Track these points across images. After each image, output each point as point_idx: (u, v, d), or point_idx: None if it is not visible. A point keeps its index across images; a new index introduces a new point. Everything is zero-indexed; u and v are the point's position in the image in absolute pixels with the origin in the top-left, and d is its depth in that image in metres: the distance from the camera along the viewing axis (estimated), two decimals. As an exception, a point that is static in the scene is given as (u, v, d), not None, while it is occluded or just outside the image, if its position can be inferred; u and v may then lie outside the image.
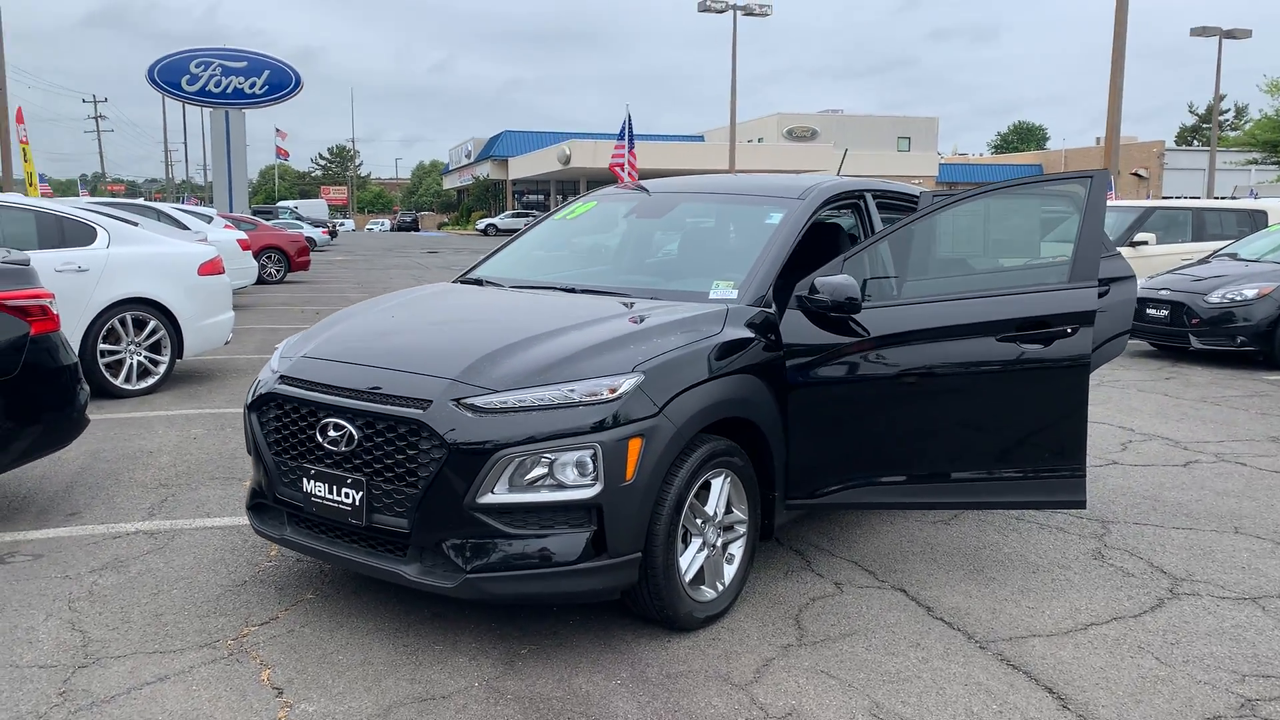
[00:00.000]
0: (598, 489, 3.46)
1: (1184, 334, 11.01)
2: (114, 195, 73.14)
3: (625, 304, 4.25)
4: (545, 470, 3.45)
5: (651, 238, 5.16)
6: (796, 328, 4.20)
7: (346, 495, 3.67)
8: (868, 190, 5.15)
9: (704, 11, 37.38)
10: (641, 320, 3.97)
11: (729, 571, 4.04)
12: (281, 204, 62.60)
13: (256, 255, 21.95)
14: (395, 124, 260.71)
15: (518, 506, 3.46)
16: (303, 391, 3.86)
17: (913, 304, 4.32)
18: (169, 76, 37.65)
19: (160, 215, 15.31)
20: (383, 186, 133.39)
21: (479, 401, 3.50)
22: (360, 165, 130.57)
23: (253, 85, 39.35)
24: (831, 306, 4.11)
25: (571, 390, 3.52)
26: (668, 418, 3.61)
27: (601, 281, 4.67)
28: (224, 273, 9.26)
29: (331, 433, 3.69)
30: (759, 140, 71.43)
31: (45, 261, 7.84)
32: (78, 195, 29.96)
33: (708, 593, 3.92)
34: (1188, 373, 10.45)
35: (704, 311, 4.09)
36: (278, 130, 78.43)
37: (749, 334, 4.09)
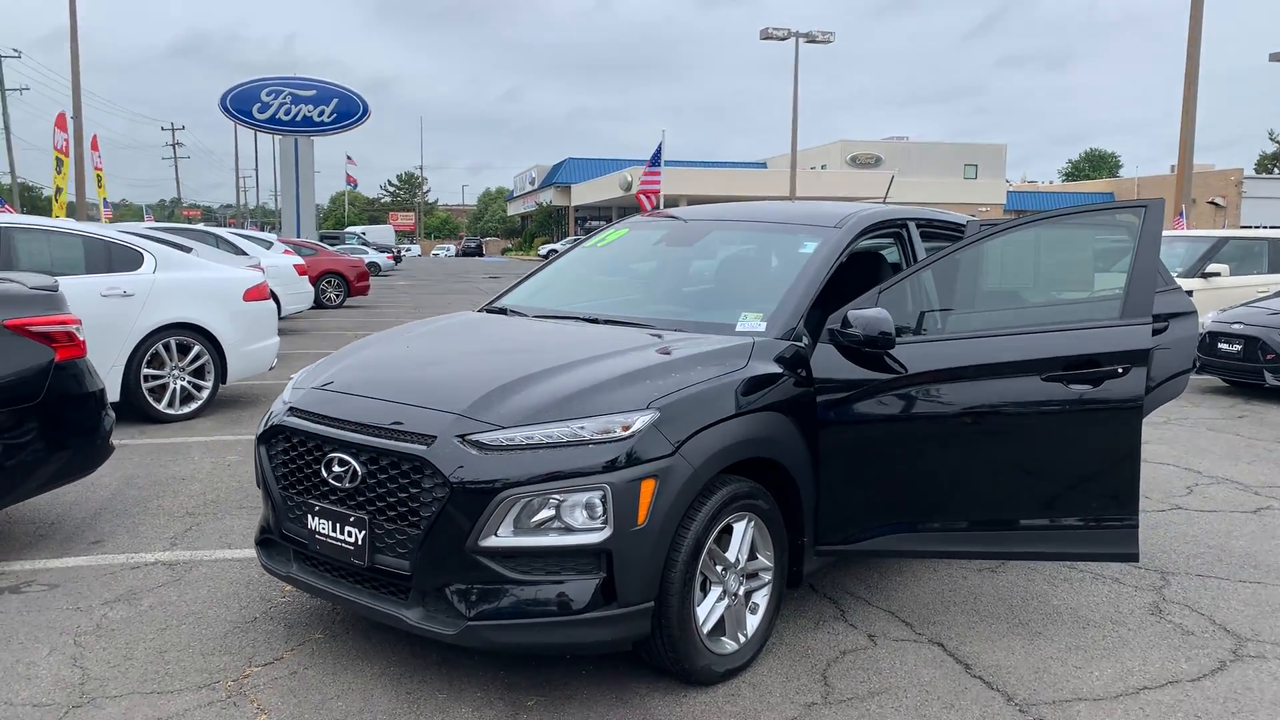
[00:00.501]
0: (607, 533, 3.27)
1: (1259, 370, 10.50)
2: (190, 220, 75.10)
3: (647, 336, 4.07)
4: (553, 512, 3.28)
5: (681, 267, 4.97)
6: (828, 363, 3.98)
7: (350, 534, 3.52)
8: (911, 219, 4.92)
9: (767, 39, 37.30)
10: (662, 353, 3.79)
11: (752, 622, 3.81)
12: (349, 230, 63.67)
13: (316, 280, 22.25)
14: (464, 151, 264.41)
15: (523, 550, 3.28)
16: (311, 424, 3.74)
17: (952, 340, 4.07)
18: (241, 105, 38.47)
19: (219, 240, 15.52)
20: (449, 213, 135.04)
21: (485, 438, 3.34)
22: (428, 192, 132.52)
23: (321, 113, 40.07)
24: (864, 341, 3.89)
25: (581, 427, 3.34)
26: (684, 458, 3.41)
27: (626, 312, 4.49)
28: (269, 298, 9.26)
29: (336, 468, 3.56)
30: (822, 167, 71.03)
31: (91, 286, 7.95)
32: (142, 220, 30.60)
33: (728, 644, 3.70)
34: (1262, 411, 9.95)
35: (728, 345, 3.89)
36: (348, 158, 79.84)
37: (776, 369, 3.88)
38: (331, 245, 34.55)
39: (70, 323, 5.01)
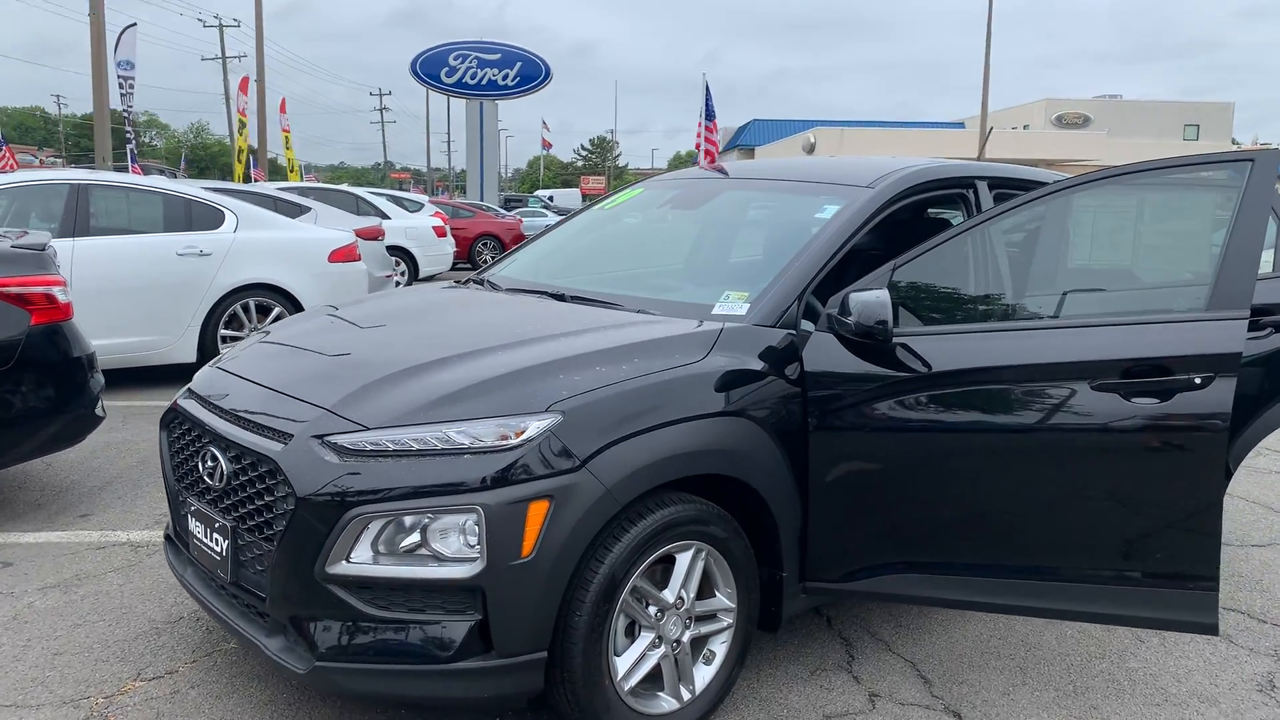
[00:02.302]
0: (478, 567, 2.61)
1: None
2: (400, 184, 77.98)
3: (605, 317, 3.37)
4: (418, 538, 2.65)
5: (679, 234, 4.23)
6: (827, 355, 3.18)
7: (216, 542, 3.01)
8: (982, 177, 3.99)
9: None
10: (598, 341, 3.08)
11: (703, 675, 3.09)
12: (537, 193, 64.44)
13: (473, 242, 22.29)
14: (661, 115, 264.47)
15: (380, 582, 2.67)
16: (196, 409, 3.25)
17: (984, 332, 3.16)
18: (429, 69, 39.29)
19: (359, 201, 15.55)
20: (639, 176, 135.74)
21: (345, 441, 2.73)
22: (619, 156, 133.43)
23: (505, 76, 40.48)
24: (857, 331, 3.07)
25: (459, 432, 2.69)
26: (594, 474, 2.71)
27: (603, 287, 3.77)
28: (359, 259, 8.98)
29: (209, 462, 3.05)
30: (1024, 127, 66.89)
31: (167, 245, 7.84)
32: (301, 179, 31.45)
33: (665, 703, 3.00)
34: None
35: (684, 333, 3.14)
36: (544, 122, 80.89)
37: (751, 364, 3.11)
38: (513, 209, 34.87)
39: (51, 284, 4.72)
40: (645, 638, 2.94)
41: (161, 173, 31.73)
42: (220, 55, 58.50)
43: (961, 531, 3.18)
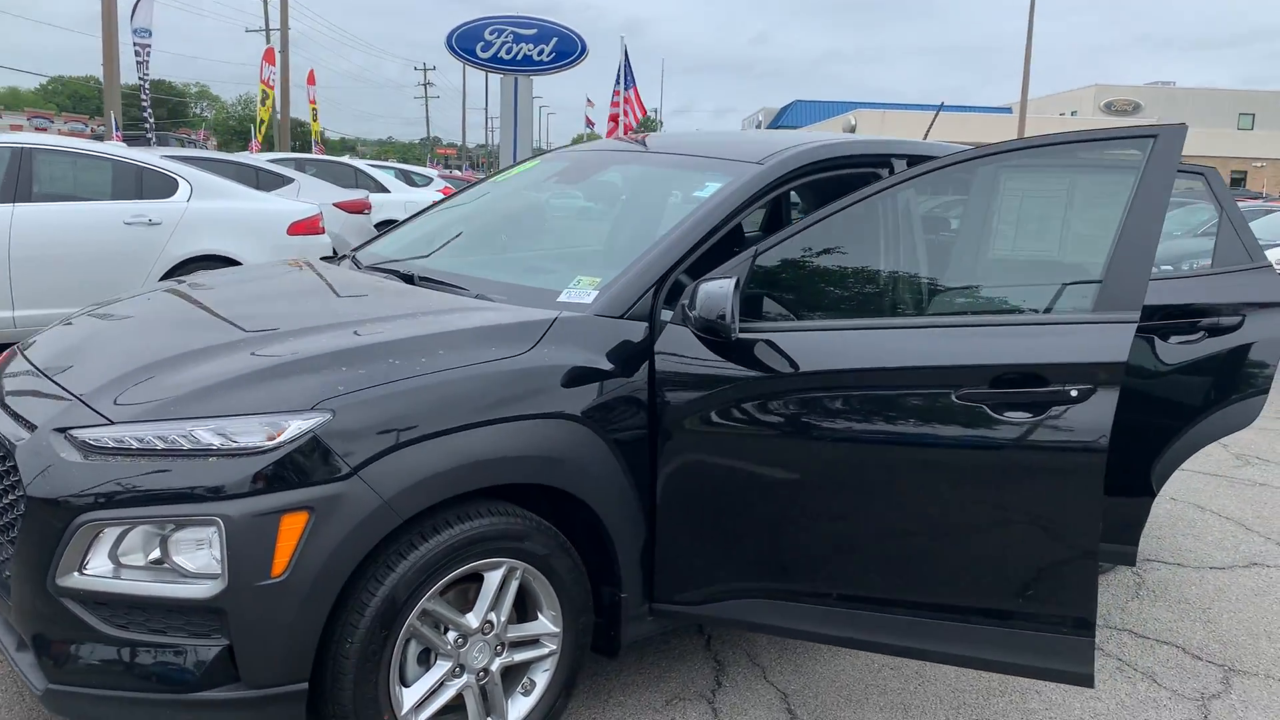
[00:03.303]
0: (219, 586, 2.28)
1: None
2: (445, 160, 77.93)
3: (432, 303, 3.01)
4: (159, 551, 2.33)
5: (559, 211, 3.84)
6: (683, 351, 2.80)
7: (-24, 542, 2.71)
8: (899, 155, 3.57)
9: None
10: (399, 328, 2.72)
11: (520, 707, 2.75)
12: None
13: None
14: (710, 94, 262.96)
15: (117, 598, 2.35)
16: (-20, 392, 2.94)
17: (847, 330, 2.75)
18: (465, 43, 38.79)
19: (358, 174, 15.30)
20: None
21: (88, 435, 2.41)
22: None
23: (540, 52, 39.93)
24: (698, 325, 2.69)
25: (210, 430, 2.35)
26: (368, 483, 2.36)
27: (461, 267, 3.40)
28: (323, 233, 8.68)
29: (-24, 453, 2.74)
30: (1072, 113, 65.39)
31: (114, 212, 7.56)
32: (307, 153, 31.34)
33: (470, 739, 2.66)
34: None
35: (510, 321, 2.78)
36: (588, 99, 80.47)
37: (586, 359, 2.75)
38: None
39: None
40: (442, 666, 2.60)
41: (181, 142, 31.75)
42: (264, 28, 58.75)
43: (820, 556, 2.80)
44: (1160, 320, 3.36)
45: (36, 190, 7.37)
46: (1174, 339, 3.37)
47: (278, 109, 28.56)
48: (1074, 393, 2.44)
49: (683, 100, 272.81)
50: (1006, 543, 2.60)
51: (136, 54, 20.30)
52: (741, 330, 2.71)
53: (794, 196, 4.37)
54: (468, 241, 3.80)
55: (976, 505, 2.60)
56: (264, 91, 26.67)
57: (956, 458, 2.57)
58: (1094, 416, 2.43)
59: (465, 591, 2.64)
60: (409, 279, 3.34)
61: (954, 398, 2.55)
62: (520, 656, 2.74)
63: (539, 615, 2.76)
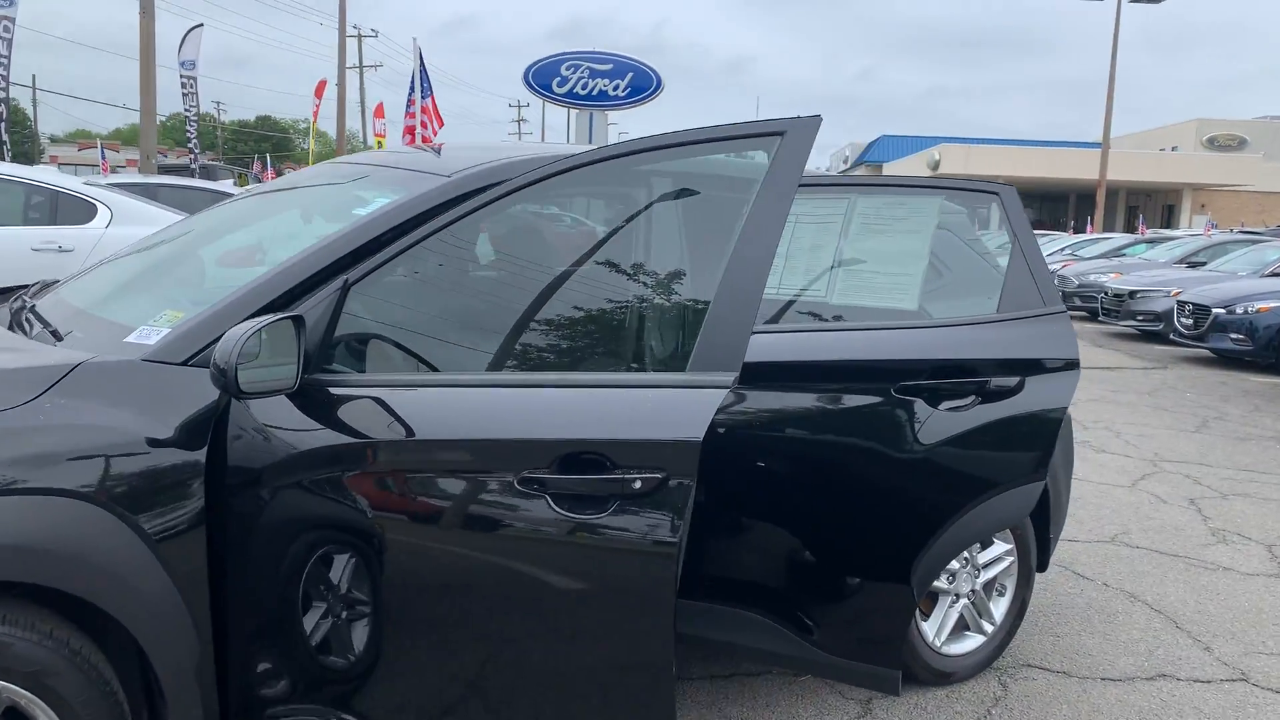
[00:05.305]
0: None
1: None
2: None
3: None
4: None
5: (234, 233, 3.25)
6: (261, 410, 2.21)
7: None
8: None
9: (1087, -1, 32.83)
10: None
11: None
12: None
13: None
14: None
15: None
16: None
17: (430, 386, 2.12)
18: (542, 79, 39.12)
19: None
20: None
21: None
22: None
23: (616, 87, 40.03)
24: (212, 378, 2.08)
25: None
26: None
27: (91, 302, 2.84)
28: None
29: None
30: (1172, 149, 62.79)
31: (20, 239, 7.29)
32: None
33: None
34: None
35: (7, 366, 2.21)
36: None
37: (120, 417, 2.16)
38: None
39: None
40: None
41: (242, 175, 32.26)
42: (359, 64, 60.28)
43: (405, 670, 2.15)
44: (929, 380, 2.63)
45: (-59, 215, 7.14)
46: (945, 404, 2.63)
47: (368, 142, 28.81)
48: (637, 483, 1.76)
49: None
50: (582, 654, 1.92)
51: (183, 86, 20.60)
52: (332, 384, 2.11)
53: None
54: (170, 266, 3.23)
55: (553, 613, 1.93)
56: (311, 124, 26.97)
57: (517, 559, 1.91)
58: (660, 511, 1.75)
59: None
60: (18, 315, 2.80)
61: (515, 482, 1.89)
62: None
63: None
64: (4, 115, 15.87)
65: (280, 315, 2.09)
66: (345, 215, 2.74)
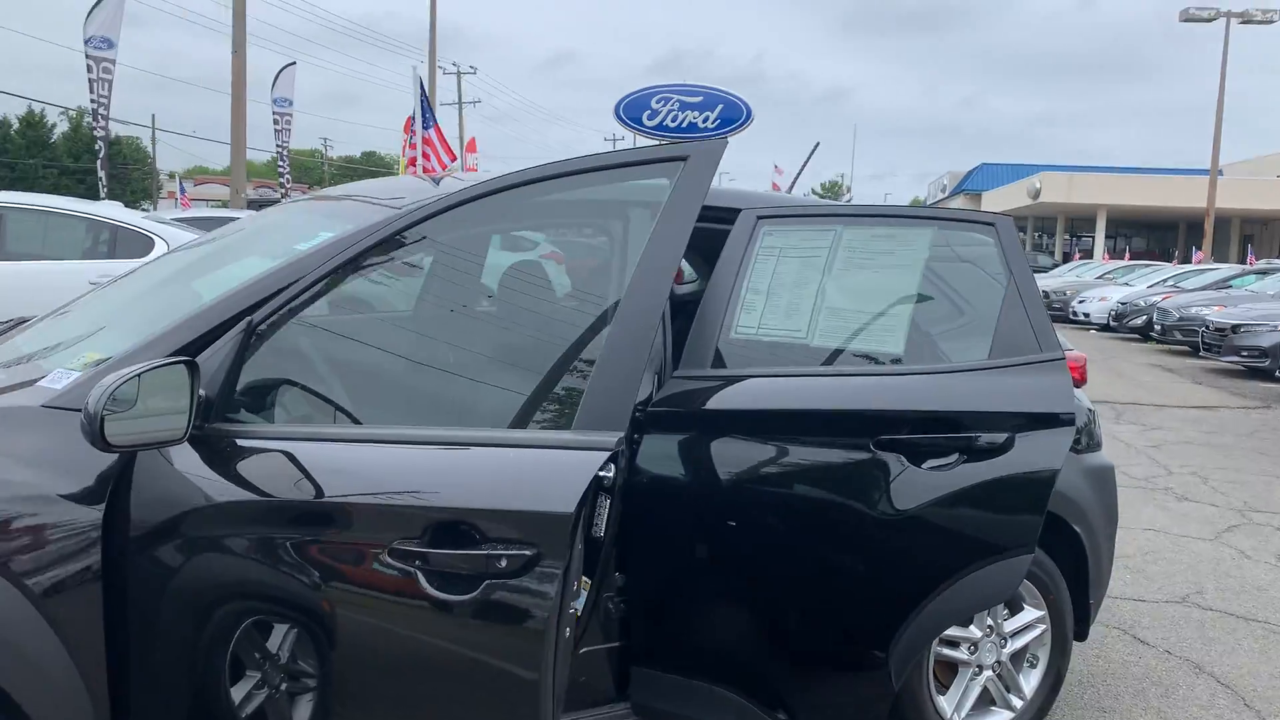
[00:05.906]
0: None
1: None
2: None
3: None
4: None
5: (189, 272, 3.10)
6: (182, 463, 2.05)
7: None
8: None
9: (1188, 21, 31.64)
10: None
11: None
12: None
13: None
14: (911, 159, 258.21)
15: None
16: None
17: (349, 442, 1.92)
18: (632, 112, 39.44)
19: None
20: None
21: None
22: (850, 199, 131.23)
23: (706, 119, 40.13)
24: (83, 431, 1.92)
25: None
26: None
27: (55, 337, 2.74)
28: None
29: None
30: (1289, 176, 60.03)
31: (79, 272, 7.41)
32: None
33: None
34: None
35: None
36: (775, 167, 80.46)
37: (8, 466, 2.02)
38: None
39: None
40: None
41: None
42: (458, 100, 61.64)
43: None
44: (907, 435, 2.33)
45: (5, 249, 7.32)
46: (928, 463, 2.33)
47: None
48: (503, 561, 1.53)
49: (882, 165, 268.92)
50: None
51: (275, 123, 21.16)
52: (239, 435, 1.94)
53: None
54: (97, 312, 3.11)
55: (422, 703, 1.71)
56: (400, 159, 27.50)
57: (388, 641, 1.69)
58: (527, 596, 1.52)
59: None
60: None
61: (386, 555, 1.68)
62: None
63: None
64: (102, 152, 16.46)
65: (164, 360, 1.93)
66: (288, 252, 2.59)
